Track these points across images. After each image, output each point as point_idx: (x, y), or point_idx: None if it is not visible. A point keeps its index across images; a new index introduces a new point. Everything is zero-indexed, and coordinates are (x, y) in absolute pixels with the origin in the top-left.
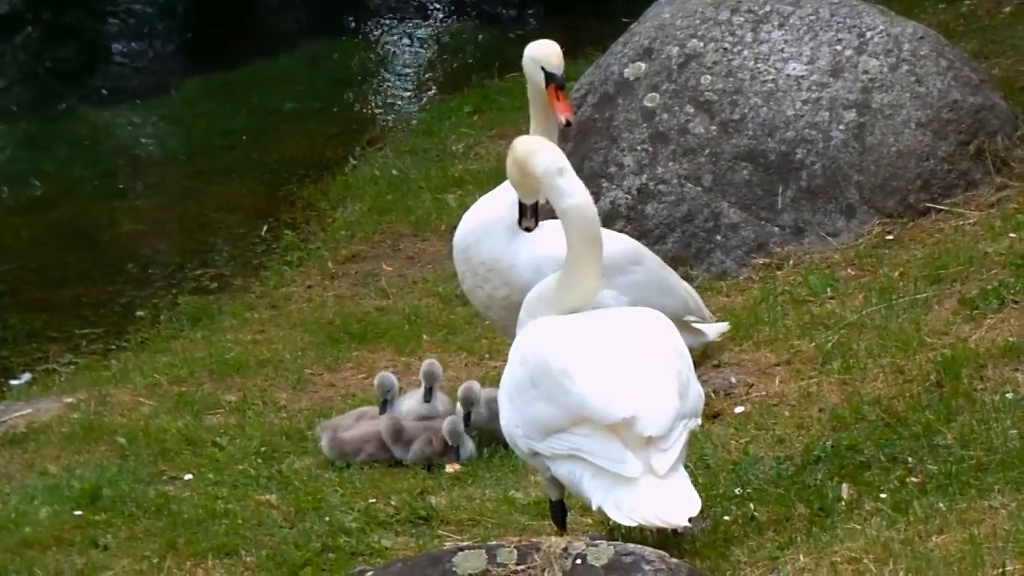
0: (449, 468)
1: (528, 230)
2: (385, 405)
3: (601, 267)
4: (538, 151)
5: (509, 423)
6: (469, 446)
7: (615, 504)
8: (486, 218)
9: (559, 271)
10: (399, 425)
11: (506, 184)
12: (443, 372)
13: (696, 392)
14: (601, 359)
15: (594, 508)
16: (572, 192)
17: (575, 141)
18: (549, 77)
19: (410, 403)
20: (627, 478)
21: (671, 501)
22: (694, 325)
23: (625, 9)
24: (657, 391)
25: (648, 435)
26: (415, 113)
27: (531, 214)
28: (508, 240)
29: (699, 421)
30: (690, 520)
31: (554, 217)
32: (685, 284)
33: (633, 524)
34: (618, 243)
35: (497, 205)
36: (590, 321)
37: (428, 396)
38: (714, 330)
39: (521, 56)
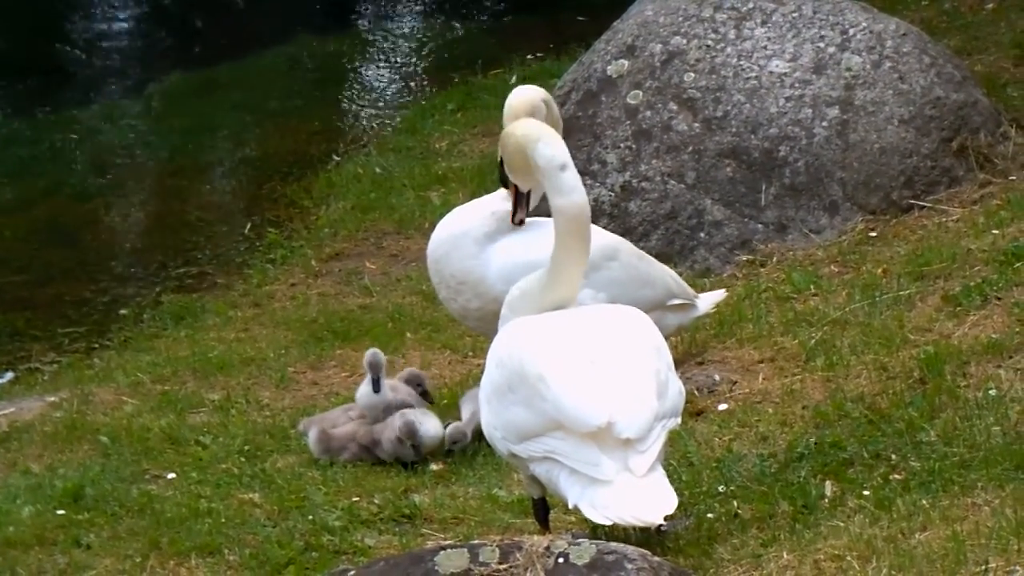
0: (434, 466)
1: (520, 223)
2: (376, 383)
3: (586, 266)
4: (543, 139)
5: (488, 425)
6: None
7: (590, 503)
8: (454, 231)
9: (543, 269)
10: (370, 432)
11: (483, 198)
12: (426, 370)
13: (676, 391)
14: (577, 362)
15: (570, 506)
16: (571, 189)
17: None
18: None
19: (361, 392)
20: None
21: (647, 499)
22: (682, 303)
23: (579, 8)
24: (634, 393)
25: (626, 437)
26: (398, 111)
27: (524, 204)
28: (477, 253)
29: (679, 420)
30: (670, 518)
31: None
32: (666, 269)
33: (609, 522)
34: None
35: (467, 217)
36: (567, 321)
37: (376, 386)
38: (708, 301)
39: (504, 54)
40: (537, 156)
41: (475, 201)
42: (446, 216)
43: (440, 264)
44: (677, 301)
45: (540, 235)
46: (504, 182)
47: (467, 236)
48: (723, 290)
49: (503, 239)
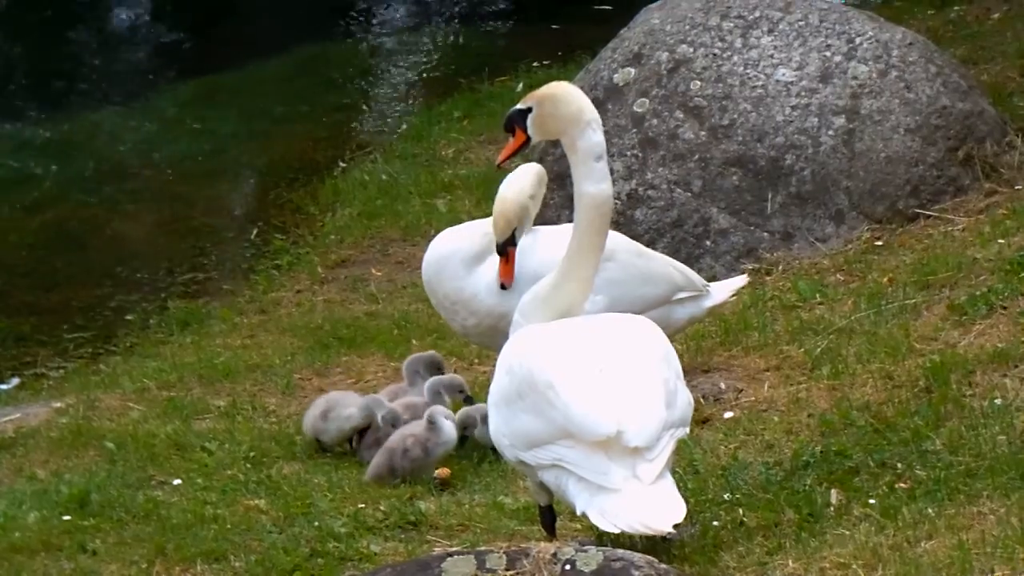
0: (439, 472)
1: (504, 287)
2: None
3: (599, 263)
4: (595, 124)
5: (496, 432)
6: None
7: (599, 510)
8: (442, 252)
9: (552, 273)
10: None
11: (477, 221)
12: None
13: (684, 400)
14: (586, 371)
15: (578, 514)
16: (603, 178)
17: None
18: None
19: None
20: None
21: (656, 508)
22: (689, 296)
23: (554, 18)
24: (643, 401)
25: (634, 446)
26: (405, 117)
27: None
28: (465, 274)
29: (687, 430)
30: (676, 526)
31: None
32: (670, 262)
33: (617, 530)
34: None
35: (455, 238)
36: (576, 330)
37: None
38: (724, 289)
39: (511, 61)
40: (584, 137)
41: (468, 223)
42: (435, 238)
43: (432, 285)
44: (684, 295)
45: (529, 250)
46: (509, 126)
47: (455, 257)
48: (744, 275)
49: (492, 257)
